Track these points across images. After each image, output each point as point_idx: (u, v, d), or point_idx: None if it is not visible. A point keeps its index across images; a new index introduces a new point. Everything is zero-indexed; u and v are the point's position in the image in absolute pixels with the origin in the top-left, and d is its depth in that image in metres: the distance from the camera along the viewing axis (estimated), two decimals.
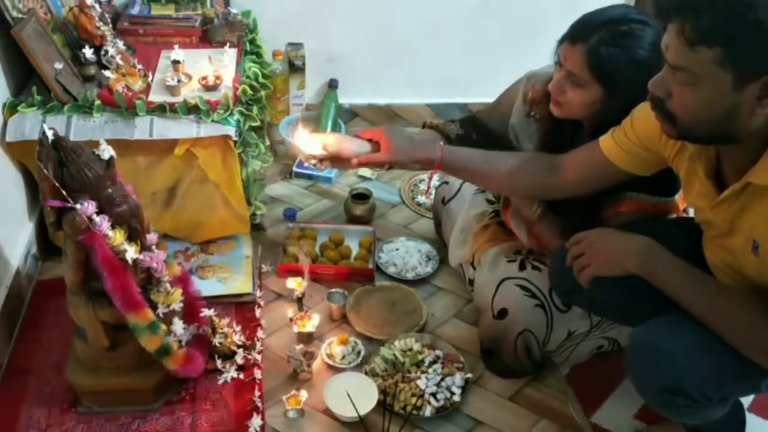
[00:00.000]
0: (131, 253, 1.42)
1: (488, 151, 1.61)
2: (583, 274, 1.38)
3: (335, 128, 2.56)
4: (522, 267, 1.74)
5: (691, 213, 1.47)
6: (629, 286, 1.34)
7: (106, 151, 1.40)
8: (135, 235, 1.46)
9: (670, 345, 1.27)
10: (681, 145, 1.31)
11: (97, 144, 1.41)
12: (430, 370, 1.72)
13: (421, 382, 1.68)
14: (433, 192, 2.23)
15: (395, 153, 1.57)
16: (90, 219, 1.36)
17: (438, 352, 1.78)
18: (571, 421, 1.68)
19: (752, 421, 1.62)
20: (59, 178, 1.34)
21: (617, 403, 1.72)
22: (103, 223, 1.37)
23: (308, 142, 1.57)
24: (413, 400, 1.64)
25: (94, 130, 1.82)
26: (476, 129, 1.84)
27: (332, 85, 2.64)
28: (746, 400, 1.66)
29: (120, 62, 1.95)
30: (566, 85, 1.50)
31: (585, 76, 1.46)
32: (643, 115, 1.36)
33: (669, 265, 1.29)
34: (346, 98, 2.72)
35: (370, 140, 1.60)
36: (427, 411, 1.64)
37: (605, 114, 1.49)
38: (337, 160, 1.58)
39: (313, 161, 1.59)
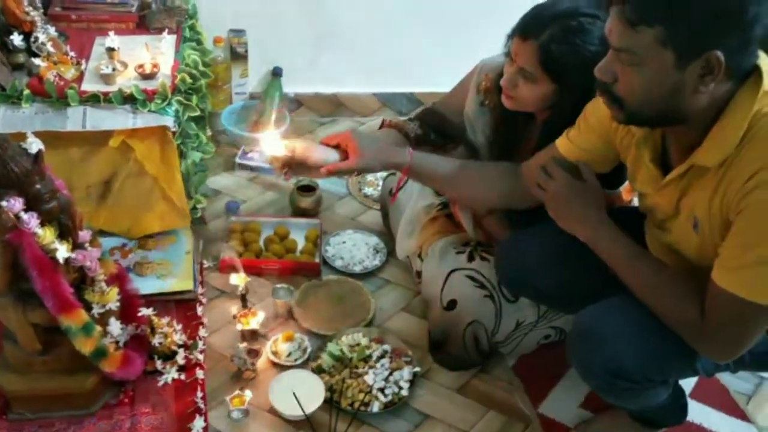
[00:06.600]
0: (62, 251, 1.36)
1: (457, 159, 1.61)
2: (539, 194, 1.41)
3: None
4: (471, 258, 1.74)
5: (636, 203, 1.49)
6: (573, 270, 1.38)
7: (34, 145, 1.34)
8: (66, 233, 1.40)
9: (609, 327, 1.30)
10: (628, 131, 1.33)
11: (25, 136, 1.34)
12: (378, 365, 1.70)
13: (369, 378, 1.66)
14: (381, 183, 2.21)
15: (365, 160, 1.52)
16: (17, 217, 1.30)
17: (386, 347, 1.76)
18: (518, 411, 1.68)
19: (693, 406, 1.65)
20: None
21: (563, 392, 1.73)
22: (31, 220, 1.31)
23: (274, 144, 1.51)
24: (361, 396, 1.62)
25: (24, 122, 1.74)
26: (434, 126, 1.81)
27: (276, 73, 2.57)
28: (687, 387, 1.69)
29: (51, 49, 1.86)
30: (518, 80, 1.50)
31: (537, 72, 1.46)
32: (594, 106, 1.39)
33: (612, 237, 1.32)
34: (290, 87, 2.66)
35: (336, 146, 1.55)
36: (375, 407, 1.62)
37: (557, 107, 1.51)
38: (302, 167, 1.53)
39: (276, 164, 1.52)
